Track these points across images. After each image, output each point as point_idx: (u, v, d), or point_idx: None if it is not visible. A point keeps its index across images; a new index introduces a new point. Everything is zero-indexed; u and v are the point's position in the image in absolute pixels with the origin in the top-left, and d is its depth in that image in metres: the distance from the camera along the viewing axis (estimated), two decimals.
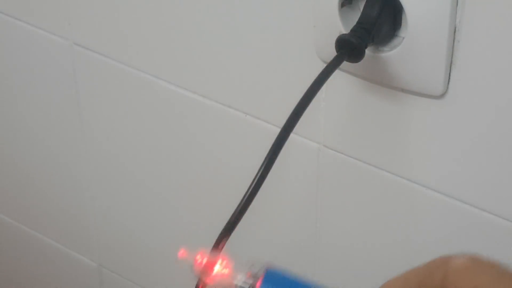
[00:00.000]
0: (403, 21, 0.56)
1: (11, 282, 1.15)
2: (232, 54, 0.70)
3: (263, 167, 0.49)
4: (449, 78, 0.57)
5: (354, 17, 0.56)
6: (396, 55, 0.57)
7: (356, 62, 0.55)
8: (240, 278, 0.47)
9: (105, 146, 0.87)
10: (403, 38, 0.56)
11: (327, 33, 0.59)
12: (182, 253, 0.48)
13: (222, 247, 0.49)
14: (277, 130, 0.70)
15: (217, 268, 0.48)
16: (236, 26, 0.68)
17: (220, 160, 0.78)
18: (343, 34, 0.54)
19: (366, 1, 0.55)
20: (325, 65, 0.55)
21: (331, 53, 0.55)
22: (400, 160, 0.65)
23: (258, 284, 0.46)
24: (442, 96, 0.58)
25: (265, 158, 0.50)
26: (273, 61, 0.68)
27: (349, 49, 0.54)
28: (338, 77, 0.62)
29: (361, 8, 0.56)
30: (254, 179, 0.49)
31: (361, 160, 0.67)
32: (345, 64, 0.55)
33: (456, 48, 0.56)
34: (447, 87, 0.58)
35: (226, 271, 0.47)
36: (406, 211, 0.66)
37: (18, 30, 0.85)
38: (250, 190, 0.49)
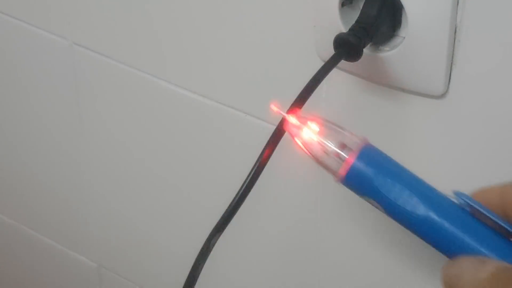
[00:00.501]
0: (403, 20, 0.56)
1: (11, 282, 1.15)
2: (232, 54, 0.70)
3: (256, 166, 0.48)
4: (449, 78, 0.57)
5: (354, 16, 0.56)
6: (396, 54, 0.57)
7: (354, 61, 0.55)
8: (331, 146, 0.43)
9: (105, 146, 0.87)
10: (403, 37, 0.56)
11: (327, 32, 0.58)
12: (274, 107, 0.45)
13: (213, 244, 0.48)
14: None
15: (307, 129, 0.44)
16: (236, 26, 0.68)
17: (220, 160, 0.78)
18: (341, 33, 0.54)
19: (366, 0, 0.55)
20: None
21: (331, 52, 0.55)
22: (400, 160, 0.64)
23: (351, 157, 0.43)
24: (442, 96, 0.58)
25: (259, 156, 0.49)
26: (273, 61, 0.68)
27: (347, 48, 0.54)
28: (338, 76, 0.62)
29: (361, 8, 0.56)
30: (248, 175, 0.49)
31: None
32: (345, 63, 0.55)
33: (456, 47, 0.56)
34: (448, 87, 0.58)
35: (316, 136, 0.44)
36: None
37: (18, 30, 0.85)
38: (245, 183, 0.48)
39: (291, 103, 0.49)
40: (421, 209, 0.42)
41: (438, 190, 0.44)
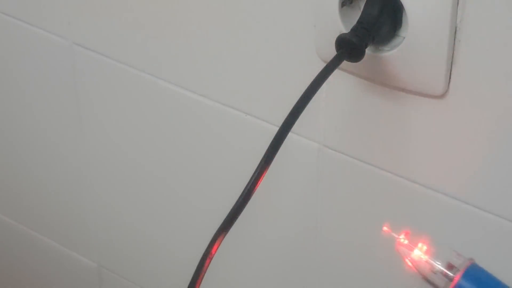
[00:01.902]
0: (403, 20, 0.56)
1: (11, 282, 1.15)
2: (232, 54, 0.70)
3: (259, 167, 0.49)
4: (449, 78, 0.57)
5: (355, 16, 0.56)
6: (397, 54, 0.57)
7: (356, 61, 0.55)
8: (438, 266, 0.46)
9: (104, 146, 0.87)
10: (404, 37, 0.56)
11: (328, 32, 0.59)
12: (386, 229, 0.48)
13: (218, 245, 0.49)
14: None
15: (417, 251, 0.47)
16: (236, 25, 0.68)
17: (220, 160, 0.78)
18: (343, 34, 0.54)
19: (367, 1, 0.55)
20: (325, 64, 0.55)
21: (332, 52, 0.55)
22: (400, 160, 0.64)
23: (458, 277, 0.45)
24: (442, 96, 0.58)
25: (262, 158, 0.49)
26: (273, 61, 0.68)
27: (349, 48, 0.54)
28: (338, 77, 0.62)
29: (362, 8, 0.56)
30: (252, 177, 0.49)
31: (361, 160, 0.67)
32: (345, 63, 0.55)
33: (457, 47, 0.56)
34: (448, 87, 0.58)
35: (425, 256, 0.46)
36: (406, 211, 0.66)
37: (18, 30, 0.85)
38: (248, 186, 0.48)
39: (295, 102, 0.50)
40: None
41: None
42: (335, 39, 0.55)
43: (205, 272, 0.49)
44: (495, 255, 0.62)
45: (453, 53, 0.56)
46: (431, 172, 0.63)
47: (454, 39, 0.55)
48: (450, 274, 0.46)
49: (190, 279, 0.48)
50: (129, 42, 0.77)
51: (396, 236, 0.48)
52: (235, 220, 0.49)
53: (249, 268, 0.83)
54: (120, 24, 0.76)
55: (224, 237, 0.49)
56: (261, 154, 0.64)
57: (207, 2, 0.69)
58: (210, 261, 0.48)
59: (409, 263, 0.48)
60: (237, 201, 0.50)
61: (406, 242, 0.48)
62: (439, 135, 0.61)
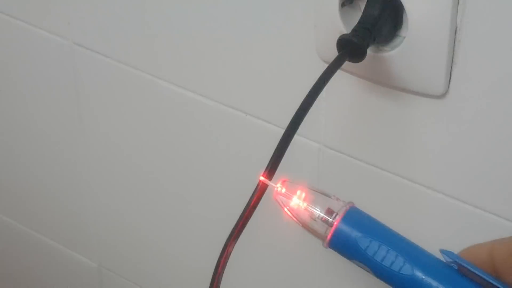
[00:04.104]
0: (404, 20, 0.56)
1: (11, 282, 1.15)
2: (232, 54, 0.70)
3: (268, 170, 0.48)
4: (450, 78, 0.57)
5: (355, 16, 0.56)
6: (397, 54, 0.57)
7: (358, 62, 0.55)
8: (318, 212, 0.45)
9: (105, 146, 0.87)
10: (404, 37, 0.56)
11: (328, 32, 0.59)
12: (263, 179, 0.46)
13: (230, 252, 0.48)
14: (278, 130, 0.70)
15: (295, 198, 0.46)
16: (236, 25, 0.68)
17: (220, 160, 0.78)
18: (344, 34, 0.54)
19: (367, 1, 0.55)
20: (325, 64, 0.55)
21: (332, 52, 0.55)
22: (400, 160, 0.64)
23: (337, 221, 0.44)
24: (443, 96, 0.58)
25: (269, 162, 0.49)
26: (273, 61, 0.68)
27: (351, 49, 0.54)
28: (338, 76, 0.62)
29: (362, 8, 0.56)
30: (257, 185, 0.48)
31: (362, 160, 0.67)
32: (345, 63, 0.55)
33: (457, 47, 0.56)
34: (448, 87, 0.58)
35: (304, 203, 0.45)
36: (406, 211, 0.66)
37: (18, 30, 0.85)
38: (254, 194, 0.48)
39: (300, 103, 0.50)
40: (408, 269, 0.43)
41: (425, 249, 0.44)
42: (335, 39, 0.55)
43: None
44: None
45: (453, 53, 0.56)
46: (431, 172, 0.63)
47: (454, 39, 0.55)
48: (330, 219, 0.44)
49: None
50: (129, 42, 0.77)
51: (274, 185, 0.47)
52: (246, 224, 0.48)
53: (249, 268, 0.83)
54: (120, 24, 0.76)
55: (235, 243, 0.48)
56: (261, 154, 0.64)
57: (207, 3, 0.69)
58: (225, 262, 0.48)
59: (288, 212, 0.46)
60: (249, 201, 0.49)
61: (283, 191, 0.47)
62: (439, 135, 0.61)
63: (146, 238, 0.91)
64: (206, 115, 0.75)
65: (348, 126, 0.66)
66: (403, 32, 0.56)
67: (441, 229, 0.65)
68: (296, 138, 0.69)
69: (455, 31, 0.55)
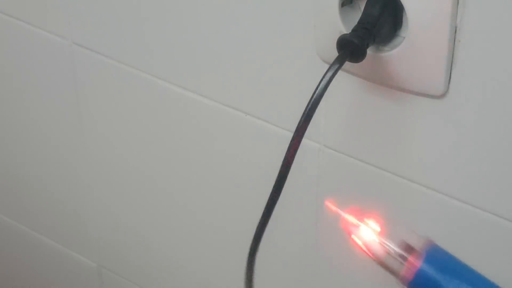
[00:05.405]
0: (404, 20, 0.56)
1: (11, 282, 1.15)
2: (232, 54, 0.70)
3: (278, 178, 0.48)
4: (449, 78, 0.57)
5: (355, 16, 0.56)
6: (397, 54, 0.57)
7: (358, 62, 0.55)
8: (392, 246, 0.42)
9: (104, 146, 0.87)
10: (404, 37, 0.56)
11: (328, 32, 0.59)
12: (329, 204, 0.44)
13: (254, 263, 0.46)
14: (277, 130, 0.70)
15: (366, 228, 0.43)
16: (236, 25, 0.68)
17: (220, 160, 0.78)
18: (344, 34, 0.54)
19: (367, 1, 0.55)
20: (325, 64, 0.55)
21: (332, 52, 0.55)
22: (400, 160, 0.65)
23: (420, 262, 0.41)
24: (442, 96, 0.58)
25: (281, 168, 0.49)
26: (273, 61, 0.68)
27: (351, 49, 0.54)
28: (338, 76, 0.62)
29: (362, 8, 0.56)
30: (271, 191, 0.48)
31: (361, 160, 0.67)
32: (345, 63, 0.55)
33: (457, 47, 0.56)
34: (448, 87, 0.58)
35: (376, 235, 0.42)
36: (406, 211, 0.66)
37: (18, 30, 0.85)
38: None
39: (306, 106, 0.50)
40: None
41: (499, 285, 0.43)
42: (335, 39, 0.55)
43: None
44: (495, 255, 0.62)
45: (453, 53, 0.56)
46: (431, 172, 0.63)
47: (454, 39, 0.55)
48: (407, 256, 0.42)
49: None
50: (129, 42, 0.77)
51: (342, 213, 0.44)
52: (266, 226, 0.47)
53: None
54: (120, 24, 0.76)
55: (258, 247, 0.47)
56: (261, 154, 0.64)
57: (207, 3, 0.69)
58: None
59: (361, 245, 0.44)
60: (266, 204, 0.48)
61: (354, 221, 0.44)
62: (439, 135, 0.61)
63: (145, 238, 0.91)
64: (206, 115, 0.75)
65: (348, 126, 0.66)
66: (403, 32, 0.56)
67: (441, 228, 0.65)
68: None
69: (455, 31, 0.55)
